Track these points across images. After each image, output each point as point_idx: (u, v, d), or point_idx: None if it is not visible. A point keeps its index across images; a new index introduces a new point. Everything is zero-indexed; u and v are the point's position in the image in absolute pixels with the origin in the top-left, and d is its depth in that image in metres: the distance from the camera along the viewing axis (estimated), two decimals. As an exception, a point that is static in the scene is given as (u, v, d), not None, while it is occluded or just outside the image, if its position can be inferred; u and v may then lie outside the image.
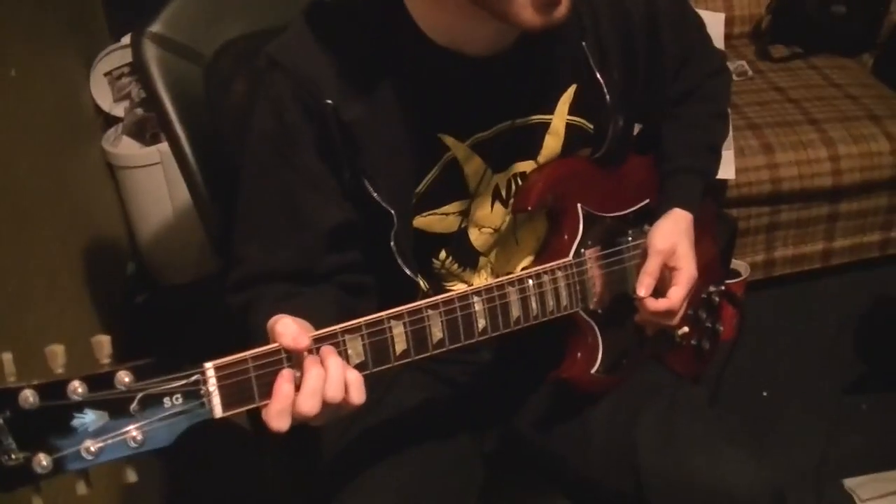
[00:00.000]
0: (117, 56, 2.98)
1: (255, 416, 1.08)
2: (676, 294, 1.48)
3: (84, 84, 2.97)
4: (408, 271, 1.42)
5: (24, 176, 2.11)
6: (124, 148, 2.96)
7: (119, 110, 3.01)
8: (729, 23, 3.27)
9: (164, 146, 2.86)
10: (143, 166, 2.92)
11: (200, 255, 3.00)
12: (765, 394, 2.71)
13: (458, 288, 1.41)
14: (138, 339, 2.76)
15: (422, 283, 1.45)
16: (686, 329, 1.63)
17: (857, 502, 2.35)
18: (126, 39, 2.94)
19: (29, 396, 0.90)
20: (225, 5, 1.71)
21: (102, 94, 3.00)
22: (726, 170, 2.60)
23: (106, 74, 2.99)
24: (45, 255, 2.17)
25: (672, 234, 1.51)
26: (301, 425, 1.09)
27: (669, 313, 1.49)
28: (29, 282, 1.97)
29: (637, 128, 1.67)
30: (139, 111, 2.97)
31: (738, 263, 2.80)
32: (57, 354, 0.94)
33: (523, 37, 1.34)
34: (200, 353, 1.03)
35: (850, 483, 2.40)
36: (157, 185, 2.94)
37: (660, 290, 1.50)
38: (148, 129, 2.95)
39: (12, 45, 2.25)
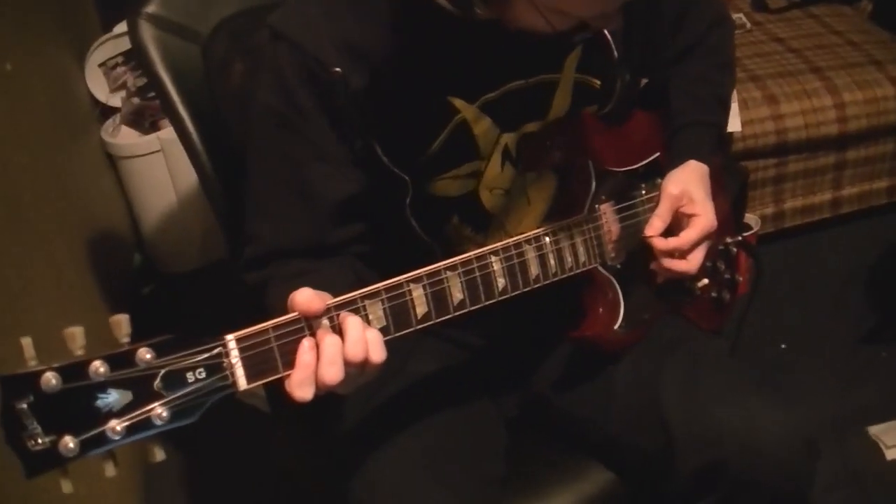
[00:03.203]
0: (110, 46, 2.96)
1: (273, 389, 1.07)
2: (687, 235, 1.47)
3: (79, 76, 2.95)
4: (424, 237, 1.41)
5: (23, 171, 2.09)
6: (124, 137, 2.94)
7: (116, 101, 2.99)
8: (724, -24, 3.25)
9: (164, 134, 2.85)
10: (143, 155, 2.89)
11: (205, 242, 2.99)
12: (783, 346, 2.69)
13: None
14: (147, 331, 2.74)
15: (437, 248, 1.44)
16: (706, 281, 1.61)
17: (882, 448, 2.34)
18: (118, 28, 2.94)
19: (51, 379, 0.89)
20: (218, -19, 1.69)
21: (98, 86, 2.98)
22: (732, 122, 2.58)
23: (100, 65, 2.97)
24: (49, 249, 2.15)
25: (685, 180, 1.50)
26: (326, 395, 1.08)
27: (681, 256, 1.48)
28: (34, 277, 1.95)
29: (642, 83, 1.66)
30: (136, 100, 2.95)
31: (748, 217, 2.76)
32: (76, 336, 0.93)
33: None
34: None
35: (874, 430, 2.40)
36: (158, 174, 2.92)
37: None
38: (146, 117, 2.93)
39: (5, 40, 2.23)
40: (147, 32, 1.60)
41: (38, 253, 2.04)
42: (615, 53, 1.45)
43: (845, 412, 2.45)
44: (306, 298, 1.06)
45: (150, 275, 3.11)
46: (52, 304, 2.01)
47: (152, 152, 2.89)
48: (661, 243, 1.47)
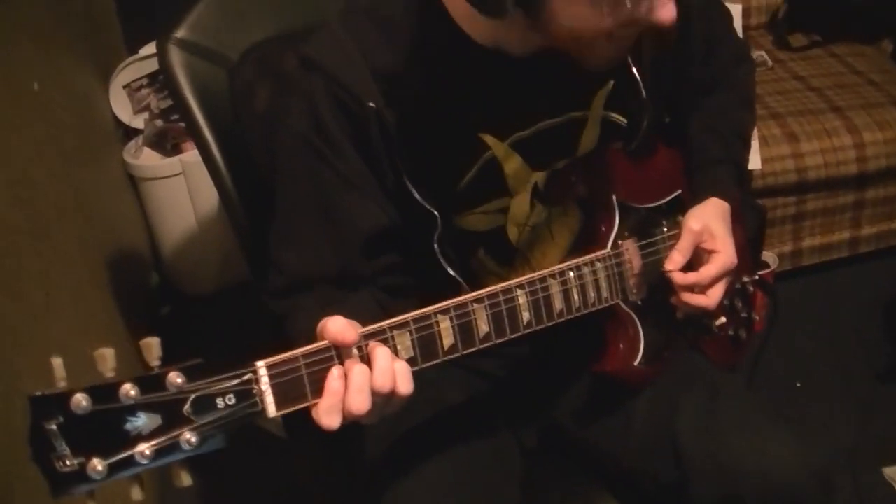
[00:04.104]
0: (135, 68, 2.98)
1: (290, 419, 1.07)
2: (707, 271, 1.47)
3: (103, 97, 2.97)
4: (451, 271, 1.41)
5: (46, 189, 2.10)
6: (145, 159, 2.96)
7: (139, 122, 3.01)
8: (746, 14, 3.26)
9: (186, 156, 2.87)
10: (164, 177, 2.90)
11: (223, 265, 3.00)
12: (798, 384, 2.68)
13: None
14: (164, 352, 2.73)
15: (461, 281, 1.44)
16: (723, 319, 1.61)
17: (897, 490, 2.34)
18: (143, 51, 2.96)
19: (81, 401, 0.89)
20: (248, 8, 1.70)
21: (122, 107, 3.00)
22: (752, 160, 2.57)
23: (125, 87, 2.99)
24: (70, 268, 2.16)
25: (706, 216, 1.51)
26: (351, 424, 1.08)
27: (700, 291, 1.48)
28: (56, 295, 1.96)
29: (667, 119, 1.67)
30: (159, 122, 2.97)
31: (766, 255, 2.77)
32: (107, 358, 0.93)
33: None
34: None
35: (889, 472, 2.38)
36: (179, 196, 2.93)
37: None
38: (169, 139, 2.95)
39: (33, 60, 2.25)
40: (176, 57, 1.60)
41: (59, 271, 2.05)
42: (643, 92, 1.46)
43: (860, 450, 2.43)
44: (340, 328, 1.06)
45: (168, 296, 3.12)
46: (72, 323, 2.01)
47: (174, 175, 2.90)
48: (680, 278, 1.47)
